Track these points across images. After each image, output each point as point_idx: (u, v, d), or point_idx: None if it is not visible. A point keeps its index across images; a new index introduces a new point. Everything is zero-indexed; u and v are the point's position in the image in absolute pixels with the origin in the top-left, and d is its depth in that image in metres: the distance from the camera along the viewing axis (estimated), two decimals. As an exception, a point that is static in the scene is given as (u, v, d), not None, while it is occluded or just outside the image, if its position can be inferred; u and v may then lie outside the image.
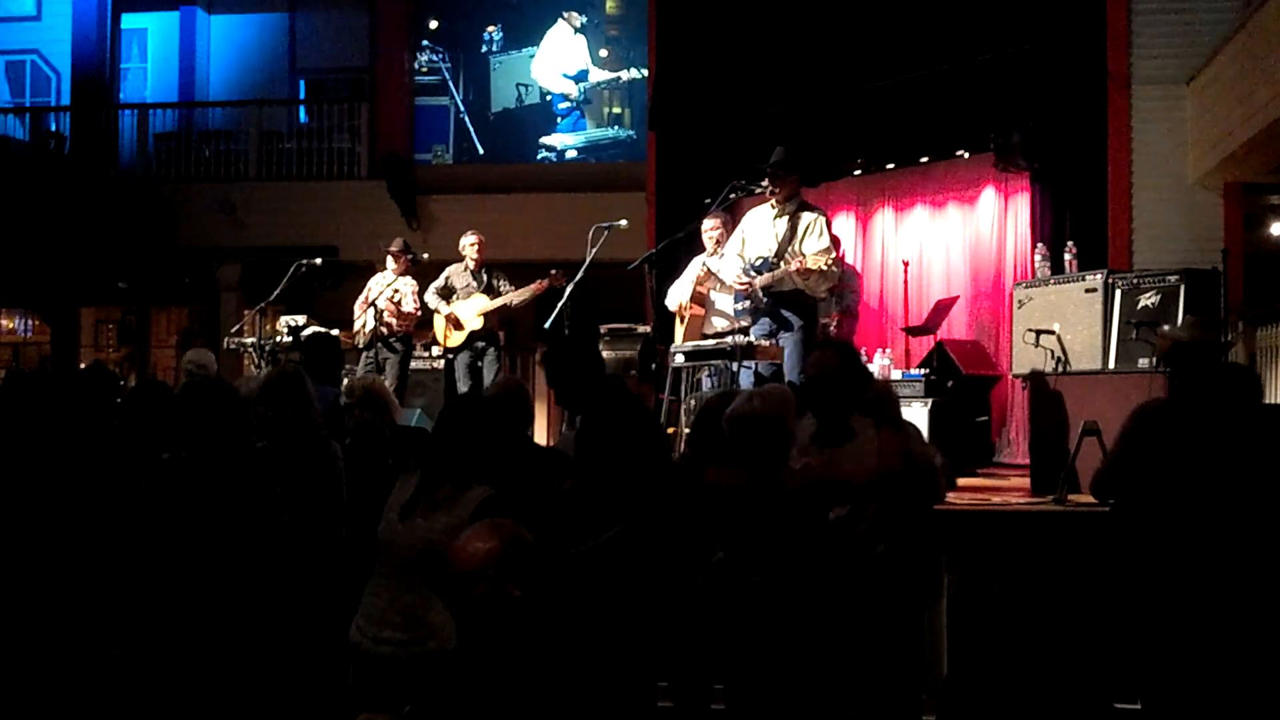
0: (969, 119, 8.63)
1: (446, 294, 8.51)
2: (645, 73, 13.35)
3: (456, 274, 8.56)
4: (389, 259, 8.78)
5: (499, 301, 8.38)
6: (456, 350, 8.48)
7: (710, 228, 7.29)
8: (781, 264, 6.51)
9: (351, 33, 14.75)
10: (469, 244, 8.56)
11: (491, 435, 3.63)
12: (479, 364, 8.39)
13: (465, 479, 3.47)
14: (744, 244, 6.89)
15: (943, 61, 8.52)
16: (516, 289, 8.37)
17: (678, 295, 7.37)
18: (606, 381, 4.24)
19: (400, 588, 3.43)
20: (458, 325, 8.43)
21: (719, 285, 7.16)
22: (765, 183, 6.80)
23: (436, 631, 3.32)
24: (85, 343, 15.24)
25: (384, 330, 8.49)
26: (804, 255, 6.40)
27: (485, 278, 8.51)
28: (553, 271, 8.06)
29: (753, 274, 6.65)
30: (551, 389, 4.28)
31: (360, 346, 8.66)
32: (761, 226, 6.81)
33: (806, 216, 6.67)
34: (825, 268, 6.42)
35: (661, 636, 3.98)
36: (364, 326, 8.60)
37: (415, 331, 8.84)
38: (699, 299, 7.25)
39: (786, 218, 6.68)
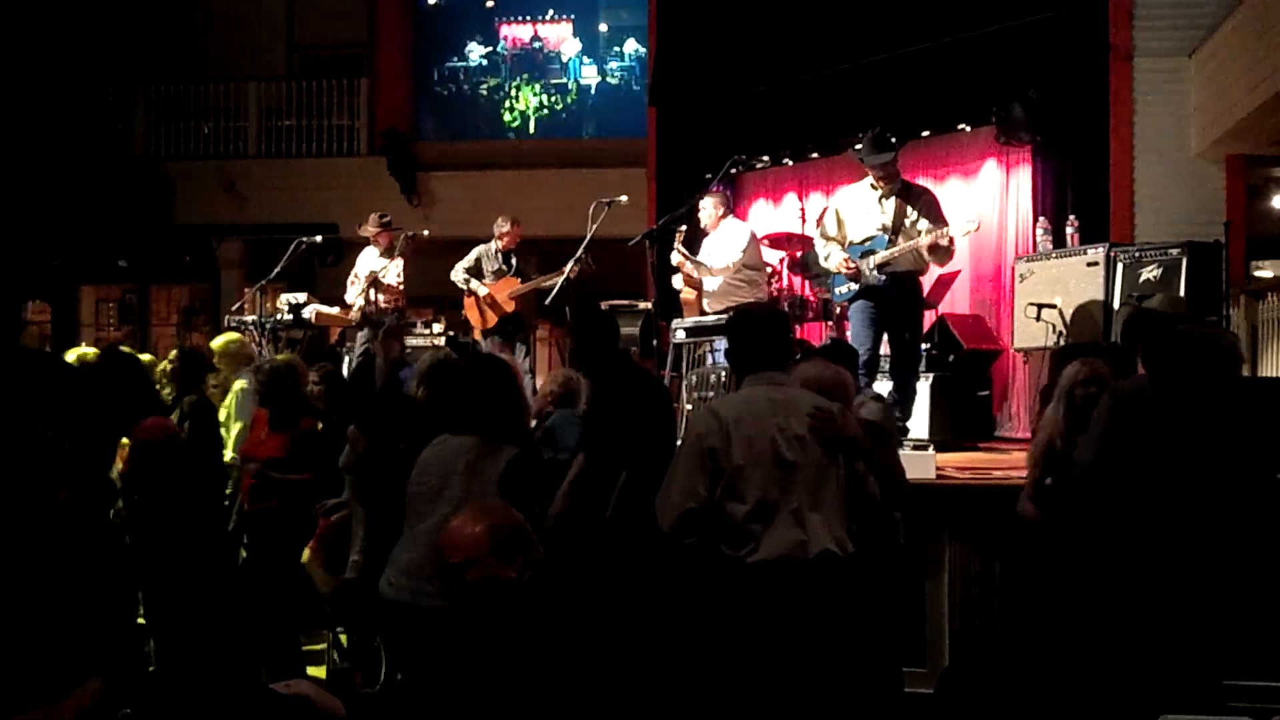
0: (970, 92, 8.59)
1: (475, 274, 8.41)
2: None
3: (487, 255, 8.44)
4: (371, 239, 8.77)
5: (531, 284, 8.20)
6: (489, 333, 8.40)
7: (713, 205, 7.26)
8: (901, 240, 6.33)
9: (350, 8, 14.66)
10: (502, 228, 8.41)
11: (519, 396, 3.73)
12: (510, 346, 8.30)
13: (495, 438, 3.49)
14: (841, 226, 6.60)
15: (944, 34, 8.49)
16: (544, 273, 8.16)
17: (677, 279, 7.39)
18: (618, 355, 4.39)
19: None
20: (492, 306, 8.34)
21: (699, 270, 7.17)
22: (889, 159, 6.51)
23: None
24: (85, 321, 15.23)
25: (370, 309, 8.43)
26: (938, 228, 6.24)
27: (515, 262, 8.39)
28: (581, 255, 7.62)
29: (857, 259, 6.42)
30: (573, 353, 4.54)
31: (355, 325, 8.66)
32: (864, 207, 6.54)
33: (922, 193, 6.54)
34: (947, 245, 6.30)
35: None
36: (356, 305, 8.60)
37: (410, 309, 8.81)
38: (691, 283, 7.19)
39: (894, 198, 6.45)
